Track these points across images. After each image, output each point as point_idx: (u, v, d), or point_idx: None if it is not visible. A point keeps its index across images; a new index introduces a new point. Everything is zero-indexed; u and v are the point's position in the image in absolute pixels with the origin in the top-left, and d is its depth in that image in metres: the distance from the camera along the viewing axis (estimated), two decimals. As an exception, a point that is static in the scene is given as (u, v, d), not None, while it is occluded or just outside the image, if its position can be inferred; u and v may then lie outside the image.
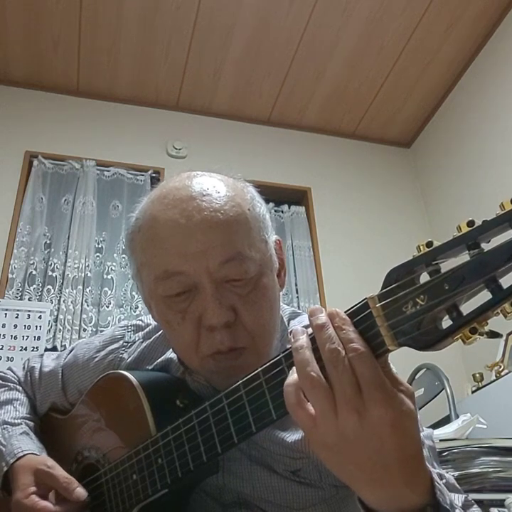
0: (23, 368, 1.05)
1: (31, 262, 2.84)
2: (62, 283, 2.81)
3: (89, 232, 2.97)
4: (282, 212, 3.45)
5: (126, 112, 3.47)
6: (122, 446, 0.79)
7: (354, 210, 3.54)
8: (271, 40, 3.20)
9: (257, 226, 0.76)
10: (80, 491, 0.78)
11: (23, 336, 2.51)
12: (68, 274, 2.81)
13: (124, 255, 2.97)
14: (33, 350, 2.48)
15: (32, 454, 0.85)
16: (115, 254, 3.01)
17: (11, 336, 2.49)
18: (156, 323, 0.92)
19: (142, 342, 0.92)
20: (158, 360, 0.88)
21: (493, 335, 0.49)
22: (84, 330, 2.72)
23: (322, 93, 3.55)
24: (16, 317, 2.54)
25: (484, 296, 0.47)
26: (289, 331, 0.57)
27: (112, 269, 2.96)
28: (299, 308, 2.95)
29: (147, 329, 0.94)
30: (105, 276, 2.93)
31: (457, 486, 0.72)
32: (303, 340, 0.55)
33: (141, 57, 3.26)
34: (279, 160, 3.58)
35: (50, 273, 2.83)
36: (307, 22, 3.12)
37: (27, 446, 0.86)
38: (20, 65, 3.26)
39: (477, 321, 0.47)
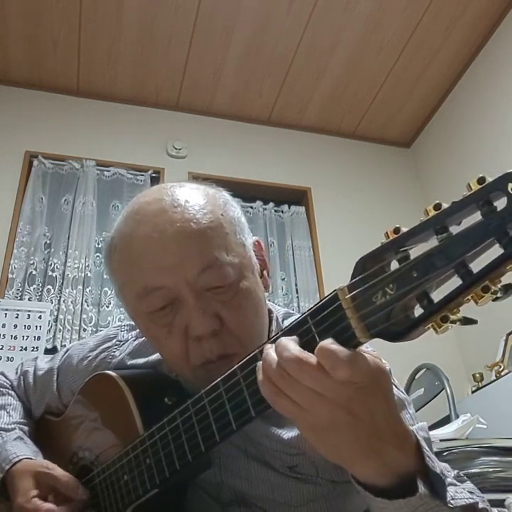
0: (16, 372, 1.05)
1: (31, 262, 2.84)
2: (62, 283, 2.81)
3: (89, 232, 2.97)
4: (282, 212, 3.44)
5: (126, 112, 3.47)
6: (114, 446, 0.79)
7: (354, 210, 3.54)
8: (271, 40, 3.20)
9: (233, 230, 0.75)
10: (82, 489, 0.80)
11: (23, 336, 2.50)
12: (68, 274, 2.81)
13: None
14: (33, 350, 2.47)
15: (27, 458, 0.84)
16: (115, 254, 3.00)
17: (11, 336, 2.49)
18: None
19: (135, 340, 0.92)
20: (150, 359, 0.88)
21: (467, 321, 0.46)
22: (84, 330, 2.72)
23: (322, 93, 3.55)
24: (16, 317, 2.54)
25: (456, 282, 0.45)
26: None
27: (112, 269, 2.95)
28: (299, 308, 2.98)
29: None
30: (105, 276, 2.91)
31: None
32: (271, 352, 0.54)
33: (141, 57, 3.26)
34: (279, 160, 3.58)
35: (50, 273, 2.83)
36: (307, 22, 3.12)
37: (21, 451, 0.86)
38: (21, 65, 3.26)
39: (448, 308, 0.45)
